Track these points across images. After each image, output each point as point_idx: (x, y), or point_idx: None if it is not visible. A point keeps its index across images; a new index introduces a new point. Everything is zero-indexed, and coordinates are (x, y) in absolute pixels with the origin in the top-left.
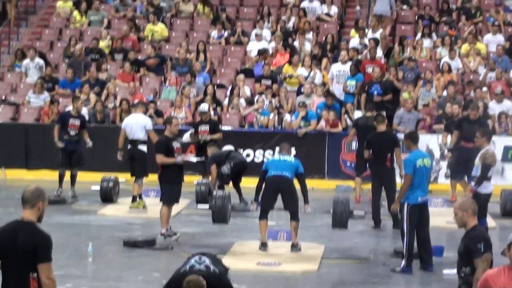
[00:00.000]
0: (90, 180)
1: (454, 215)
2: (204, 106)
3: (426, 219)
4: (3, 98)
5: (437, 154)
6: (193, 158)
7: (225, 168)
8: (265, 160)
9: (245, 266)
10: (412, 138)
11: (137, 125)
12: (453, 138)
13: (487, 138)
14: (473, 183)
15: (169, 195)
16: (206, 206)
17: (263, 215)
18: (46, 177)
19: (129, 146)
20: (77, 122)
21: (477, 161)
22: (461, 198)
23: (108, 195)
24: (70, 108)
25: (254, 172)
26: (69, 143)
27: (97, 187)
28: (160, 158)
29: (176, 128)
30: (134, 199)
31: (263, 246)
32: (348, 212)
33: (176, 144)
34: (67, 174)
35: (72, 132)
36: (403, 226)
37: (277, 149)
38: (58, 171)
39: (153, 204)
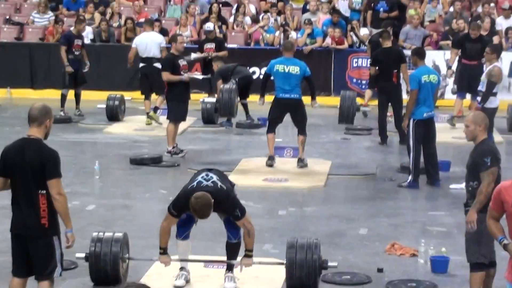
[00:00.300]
0: (96, 98)
1: (465, 127)
2: (209, 25)
3: (433, 135)
4: (7, 18)
5: (443, 70)
6: (200, 76)
7: (230, 84)
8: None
9: (252, 183)
10: (419, 54)
11: (152, 42)
12: (452, 56)
13: (497, 54)
14: (479, 99)
15: (176, 113)
16: (213, 99)
17: (271, 129)
18: (51, 96)
19: (141, 64)
20: (79, 42)
21: (483, 77)
22: (471, 112)
23: (114, 114)
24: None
25: (260, 89)
26: (74, 62)
27: (103, 106)
28: (166, 76)
29: (181, 46)
30: (156, 110)
31: (270, 159)
32: (354, 107)
33: (182, 62)
34: (70, 94)
35: (76, 52)
36: (409, 142)
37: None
38: (61, 91)
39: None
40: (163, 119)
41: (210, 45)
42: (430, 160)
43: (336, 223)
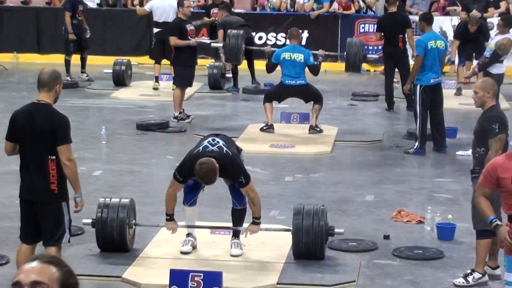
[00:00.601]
0: (102, 64)
1: (474, 93)
2: None
3: (440, 101)
4: None
5: (450, 36)
6: (207, 41)
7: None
8: (278, 42)
9: (259, 149)
10: (427, 19)
11: (170, 7)
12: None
13: (509, 27)
14: (479, 62)
15: (182, 78)
16: (220, 44)
17: (267, 100)
18: (57, 61)
19: (156, 30)
20: (81, 8)
21: (492, 45)
22: (482, 79)
23: (120, 79)
24: None
25: (267, 55)
26: (78, 28)
27: (110, 71)
28: (174, 40)
29: (188, 10)
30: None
31: (268, 127)
32: (361, 55)
33: (190, 27)
34: (74, 59)
35: (80, 17)
36: (416, 108)
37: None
38: (65, 57)
39: (166, 88)
40: (170, 84)
41: (217, 10)
42: (437, 126)
43: (342, 190)
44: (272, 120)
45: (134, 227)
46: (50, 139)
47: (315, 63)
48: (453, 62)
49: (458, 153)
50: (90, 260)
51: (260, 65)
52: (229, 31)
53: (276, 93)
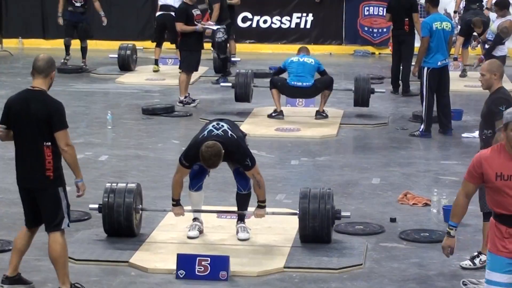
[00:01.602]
0: (107, 48)
1: (481, 76)
2: None
3: (446, 83)
4: None
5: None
6: (214, 26)
7: (220, 35)
8: (283, 26)
9: (264, 132)
10: (432, 1)
11: None
12: (457, 1)
13: (506, 9)
14: (487, 47)
15: (189, 63)
16: (229, 84)
17: (273, 86)
18: (62, 46)
19: (159, 13)
20: None
21: (494, 28)
22: (488, 61)
23: (126, 63)
24: None
25: (272, 38)
26: (73, 15)
27: (115, 55)
28: (180, 26)
29: None
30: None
31: (277, 113)
32: (369, 90)
33: (196, 11)
34: (74, 44)
35: (78, 4)
36: (422, 90)
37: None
38: (63, 41)
39: (171, 72)
40: (176, 68)
41: None
42: (443, 109)
43: (348, 173)
44: (280, 106)
45: (140, 212)
46: (46, 126)
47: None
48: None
49: (464, 135)
50: (97, 245)
51: (265, 48)
52: (237, 71)
53: (280, 87)
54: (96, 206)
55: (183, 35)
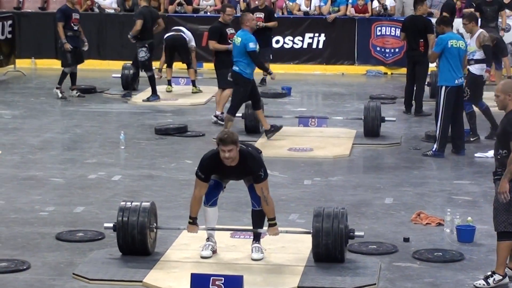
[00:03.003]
0: (120, 68)
1: (496, 97)
2: None
3: (461, 103)
4: None
5: (466, 37)
6: None
7: (143, 54)
8: (295, 46)
9: (277, 152)
10: (444, 22)
11: None
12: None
13: (474, 22)
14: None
15: (226, 80)
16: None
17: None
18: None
19: (168, 34)
20: (77, 16)
21: (474, 46)
22: (502, 81)
23: (129, 83)
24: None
25: (284, 58)
26: (73, 39)
27: (118, 75)
28: (213, 44)
29: (229, 17)
30: (194, 84)
31: (271, 131)
32: (379, 119)
33: (230, 31)
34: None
35: (76, 27)
36: (439, 110)
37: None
38: (66, 70)
39: (184, 92)
40: (188, 88)
41: (260, 14)
42: (458, 128)
43: (361, 193)
44: (267, 124)
45: (155, 230)
46: None
47: (255, 50)
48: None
49: (477, 155)
50: (111, 264)
51: (276, 69)
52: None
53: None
54: (111, 225)
55: (217, 54)
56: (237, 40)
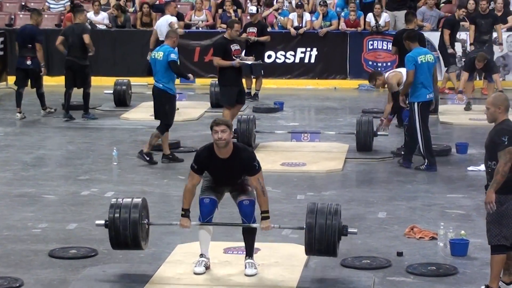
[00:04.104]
0: (112, 85)
1: (486, 109)
2: (252, 8)
3: (428, 118)
4: (23, 4)
5: (459, 50)
6: (250, 60)
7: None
8: (287, 60)
9: (270, 167)
10: (410, 37)
11: (166, 22)
12: (470, 33)
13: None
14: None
15: (228, 97)
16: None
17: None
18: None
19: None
20: (40, 38)
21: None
22: (493, 94)
23: (121, 99)
24: (91, 13)
25: (277, 73)
26: (19, 60)
27: (110, 91)
28: (216, 60)
29: (235, 34)
30: None
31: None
32: (372, 132)
33: (235, 47)
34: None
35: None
36: (415, 126)
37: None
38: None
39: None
40: (180, 104)
41: (252, 29)
42: (427, 142)
43: (354, 207)
44: (167, 150)
45: (147, 226)
46: None
47: (174, 59)
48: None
49: (469, 168)
50: (104, 282)
51: (269, 83)
52: (239, 116)
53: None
54: (102, 222)
55: (221, 70)
56: (159, 55)
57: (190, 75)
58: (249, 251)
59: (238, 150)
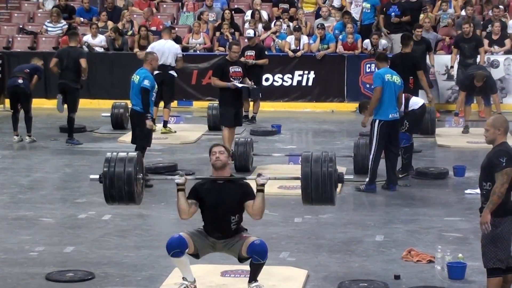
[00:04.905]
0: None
1: (485, 131)
2: (249, 31)
3: (395, 138)
4: (21, 27)
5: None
6: (247, 84)
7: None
8: (285, 83)
9: (267, 190)
10: (379, 58)
11: (169, 51)
12: (452, 56)
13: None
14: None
15: (225, 118)
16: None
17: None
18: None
19: (155, 72)
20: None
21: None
22: (493, 116)
23: (119, 122)
24: (88, 36)
25: (274, 96)
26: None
27: (107, 114)
28: (213, 80)
29: (234, 55)
30: (165, 124)
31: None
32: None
33: (234, 69)
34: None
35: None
36: (372, 143)
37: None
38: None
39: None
40: (178, 126)
41: (251, 52)
42: (393, 163)
43: (352, 230)
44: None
45: (142, 181)
46: None
47: (146, 87)
48: (456, 114)
49: (467, 191)
50: None
51: (266, 106)
52: (237, 139)
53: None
54: (97, 176)
55: (221, 91)
56: (135, 78)
57: (148, 115)
58: (254, 274)
59: (234, 177)
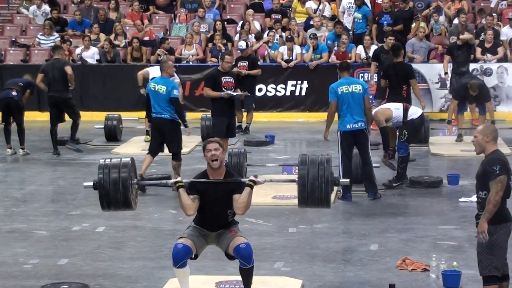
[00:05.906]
0: (103, 120)
1: (474, 138)
2: (241, 43)
3: (364, 146)
4: (13, 40)
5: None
6: (240, 93)
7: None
8: (278, 94)
9: (261, 200)
10: (340, 67)
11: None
12: (444, 63)
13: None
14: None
15: (218, 128)
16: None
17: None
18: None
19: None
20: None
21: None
22: (483, 124)
23: (112, 133)
24: (81, 48)
25: (267, 106)
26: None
27: (101, 126)
28: (206, 90)
29: (226, 65)
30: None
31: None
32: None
33: (226, 79)
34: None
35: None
36: (338, 153)
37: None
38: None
39: None
40: None
41: (243, 63)
42: (366, 171)
43: (346, 240)
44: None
45: (137, 186)
46: None
47: (176, 96)
48: (449, 122)
49: (461, 200)
50: None
51: (259, 117)
52: (230, 150)
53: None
54: (91, 184)
55: (213, 101)
56: (161, 88)
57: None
58: (247, 285)
59: (230, 174)
